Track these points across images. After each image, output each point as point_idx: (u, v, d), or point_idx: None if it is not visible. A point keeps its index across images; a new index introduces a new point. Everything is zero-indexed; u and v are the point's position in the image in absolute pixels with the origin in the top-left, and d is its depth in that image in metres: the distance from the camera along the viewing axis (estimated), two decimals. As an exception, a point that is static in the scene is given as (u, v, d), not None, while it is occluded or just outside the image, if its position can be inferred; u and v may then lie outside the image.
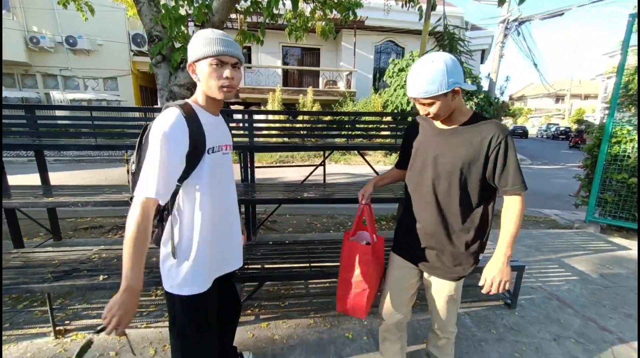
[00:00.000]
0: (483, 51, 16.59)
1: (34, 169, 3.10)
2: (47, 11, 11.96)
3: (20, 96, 11.99)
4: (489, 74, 12.69)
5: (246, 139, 3.22)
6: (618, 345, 1.96)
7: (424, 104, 1.16)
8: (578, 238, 3.77)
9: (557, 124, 30.94)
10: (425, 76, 1.09)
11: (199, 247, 1.11)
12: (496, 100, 13.36)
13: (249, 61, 14.70)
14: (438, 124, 1.29)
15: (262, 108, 12.83)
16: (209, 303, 1.20)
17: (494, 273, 1.18)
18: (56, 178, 2.91)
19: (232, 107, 13.03)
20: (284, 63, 15.19)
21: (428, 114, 1.19)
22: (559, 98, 41.84)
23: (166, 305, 1.30)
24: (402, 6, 5.51)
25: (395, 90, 11.45)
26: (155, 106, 13.63)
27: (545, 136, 29.15)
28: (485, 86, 12.51)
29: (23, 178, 5.69)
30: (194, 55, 1.04)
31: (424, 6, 5.17)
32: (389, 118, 5.96)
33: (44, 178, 3.07)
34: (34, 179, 3.16)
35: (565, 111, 37.31)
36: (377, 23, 13.28)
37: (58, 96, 12.03)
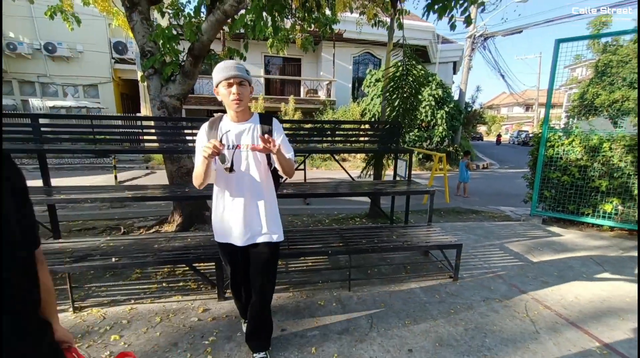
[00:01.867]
0: (455, 63, 17.72)
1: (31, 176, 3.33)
2: (25, 18, 11.92)
3: (-3, 103, 11.80)
4: (459, 85, 13.67)
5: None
6: (530, 302, 2.52)
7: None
8: (521, 228, 4.41)
9: (527, 131, 32.88)
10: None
11: (214, 213, 1.68)
12: (467, 109, 14.36)
13: (232, 70, 15.04)
14: None
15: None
16: (226, 253, 1.76)
17: None
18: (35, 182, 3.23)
19: (215, 115, 13.30)
20: (266, 72, 15.67)
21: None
22: (528, 106, 44.41)
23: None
24: (372, 26, 6.15)
25: (372, 99, 12.15)
26: (138, 114, 13.60)
27: (516, 142, 31.02)
28: (456, 95, 13.46)
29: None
30: (215, 81, 1.50)
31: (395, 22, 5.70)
32: (366, 126, 6.57)
33: (46, 181, 3.36)
34: (35, 183, 3.44)
35: (534, 119, 39.64)
36: (355, 36, 13.99)
37: (37, 103, 11.93)
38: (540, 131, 4.70)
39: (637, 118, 4.07)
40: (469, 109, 13.99)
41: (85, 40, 12.85)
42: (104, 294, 2.51)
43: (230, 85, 1.47)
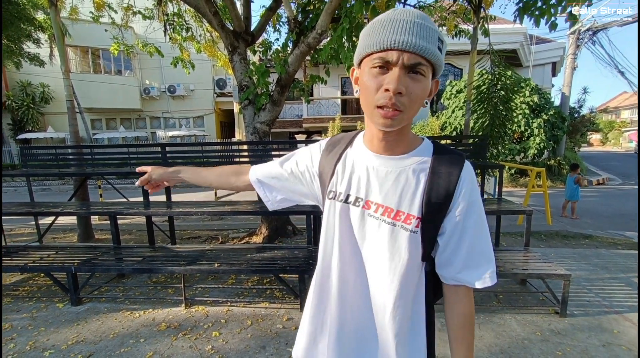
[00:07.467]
0: (554, 64, 15.49)
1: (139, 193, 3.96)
2: (156, 69, 15.06)
3: (135, 135, 15.07)
4: (560, 88, 11.86)
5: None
6: (676, 357, 1.98)
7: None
8: (660, 260, 3.51)
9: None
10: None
11: (304, 316, 0.83)
12: (573, 115, 12.29)
13: (311, 94, 16.13)
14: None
15: (323, 136, 13.84)
16: None
17: None
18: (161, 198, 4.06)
19: (297, 136, 14.33)
20: (342, 93, 16.27)
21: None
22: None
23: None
24: (453, 37, 5.91)
25: (453, 111, 11.44)
26: (233, 139, 15.53)
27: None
28: (557, 100, 11.70)
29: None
30: (360, 52, 0.65)
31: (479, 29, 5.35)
32: (448, 141, 6.25)
33: (169, 197, 4.14)
34: (158, 198, 4.28)
35: (675, 122, 31.24)
36: (433, 48, 13.57)
37: (161, 133, 14.79)
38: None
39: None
40: (576, 115, 11.84)
41: (195, 80, 15.50)
42: (207, 295, 2.93)
43: (383, 67, 0.60)
